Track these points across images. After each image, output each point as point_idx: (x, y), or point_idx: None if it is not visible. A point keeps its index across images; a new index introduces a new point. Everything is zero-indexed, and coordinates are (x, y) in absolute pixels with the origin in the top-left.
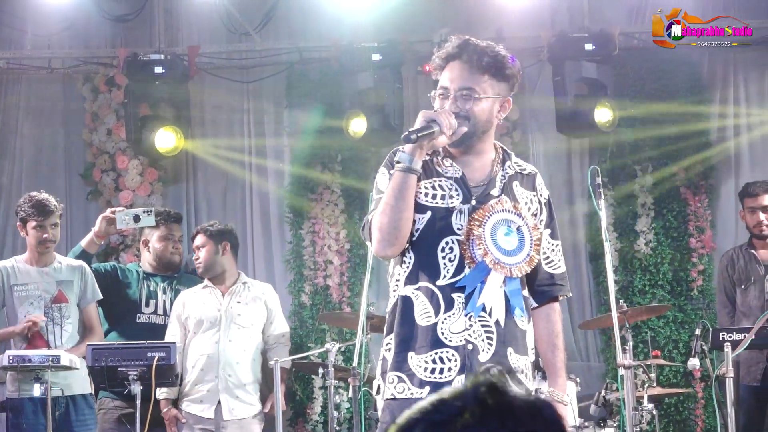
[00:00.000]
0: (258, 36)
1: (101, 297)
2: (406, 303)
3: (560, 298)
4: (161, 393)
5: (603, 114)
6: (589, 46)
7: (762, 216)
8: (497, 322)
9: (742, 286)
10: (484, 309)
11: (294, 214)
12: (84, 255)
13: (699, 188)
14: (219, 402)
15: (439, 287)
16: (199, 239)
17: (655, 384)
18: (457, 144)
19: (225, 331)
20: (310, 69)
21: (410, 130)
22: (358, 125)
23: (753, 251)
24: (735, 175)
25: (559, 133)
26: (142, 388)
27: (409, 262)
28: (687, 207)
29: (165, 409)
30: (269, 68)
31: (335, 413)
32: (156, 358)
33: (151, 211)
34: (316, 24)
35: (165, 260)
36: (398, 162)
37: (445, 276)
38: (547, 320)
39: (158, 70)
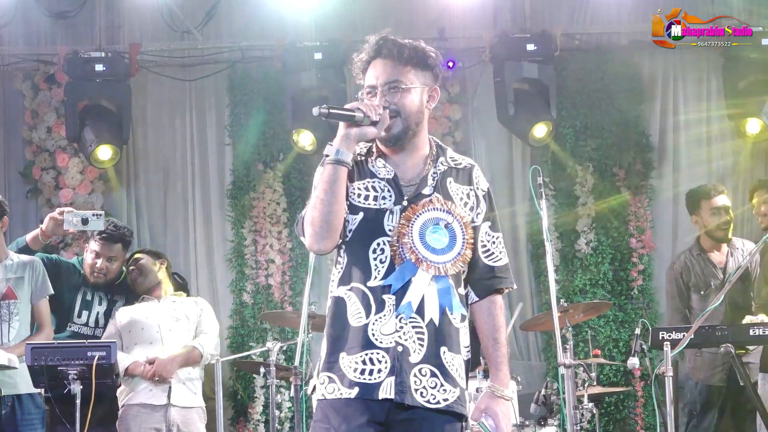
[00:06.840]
0: (200, 34)
1: (52, 292)
2: (339, 304)
3: (504, 290)
4: (124, 359)
5: (540, 130)
6: (530, 47)
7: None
8: (431, 322)
9: (701, 293)
10: (417, 309)
11: (236, 213)
12: (26, 250)
13: (639, 189)
14: (170, 388)
15: (370, 288)
16: (136, 255)
17: (595, 383)
18: (393, 141)
19: (166, 337)
20: (252, 67)
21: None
22: (305, 139)
23: (706, 255)
24: (673, 176)
25: (501, 134)
26: (82, 387)
27: (343, 263)
28: (627, 207)
29: (141, 368)
30: (211, 66)
31: (277, 412)
32: (96, 357)
33: (100, 215)
34: (259, 23)
35: (86, 274)
36: (326, 155)
37: (375, 277)
38: (488, 314)
39: (99, 67)
